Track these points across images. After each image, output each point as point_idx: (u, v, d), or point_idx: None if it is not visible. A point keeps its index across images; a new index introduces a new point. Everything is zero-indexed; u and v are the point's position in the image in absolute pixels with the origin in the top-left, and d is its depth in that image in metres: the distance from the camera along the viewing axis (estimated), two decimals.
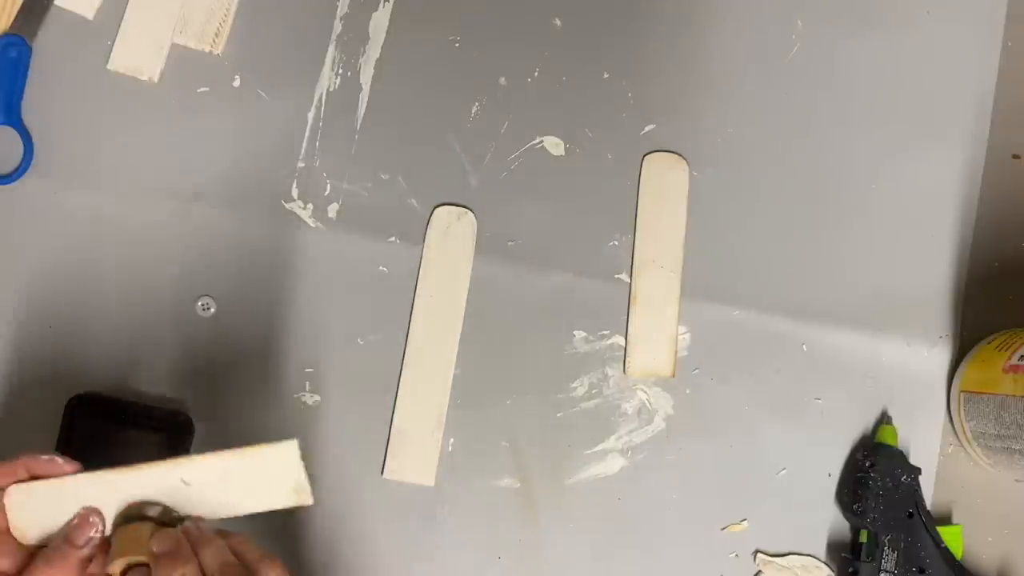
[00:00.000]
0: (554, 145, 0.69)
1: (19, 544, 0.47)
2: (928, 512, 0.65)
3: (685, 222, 0.69)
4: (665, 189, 0.69)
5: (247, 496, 0.49)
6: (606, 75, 0.70)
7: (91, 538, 0.47)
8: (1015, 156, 0.70)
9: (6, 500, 0.47)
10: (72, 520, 0.47)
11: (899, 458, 0.65)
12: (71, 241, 0.66)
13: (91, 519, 0.47)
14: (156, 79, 0.68)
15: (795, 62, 0.70)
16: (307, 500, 0.49)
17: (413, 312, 0.67)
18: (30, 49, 0.67)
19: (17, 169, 0.66)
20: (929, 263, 0.69)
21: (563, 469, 0.66)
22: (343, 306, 0.67)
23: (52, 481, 0.48)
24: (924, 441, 0.67)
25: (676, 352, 0.67)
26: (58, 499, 0.47)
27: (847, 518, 0.66)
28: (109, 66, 0.68)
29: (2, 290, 0.66)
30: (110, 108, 0.67)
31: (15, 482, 0.47)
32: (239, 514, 0.49)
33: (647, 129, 0.69)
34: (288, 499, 0.49)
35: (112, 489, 0.48)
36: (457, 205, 0.68)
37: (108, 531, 0.48)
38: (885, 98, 0.70)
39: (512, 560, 0.66)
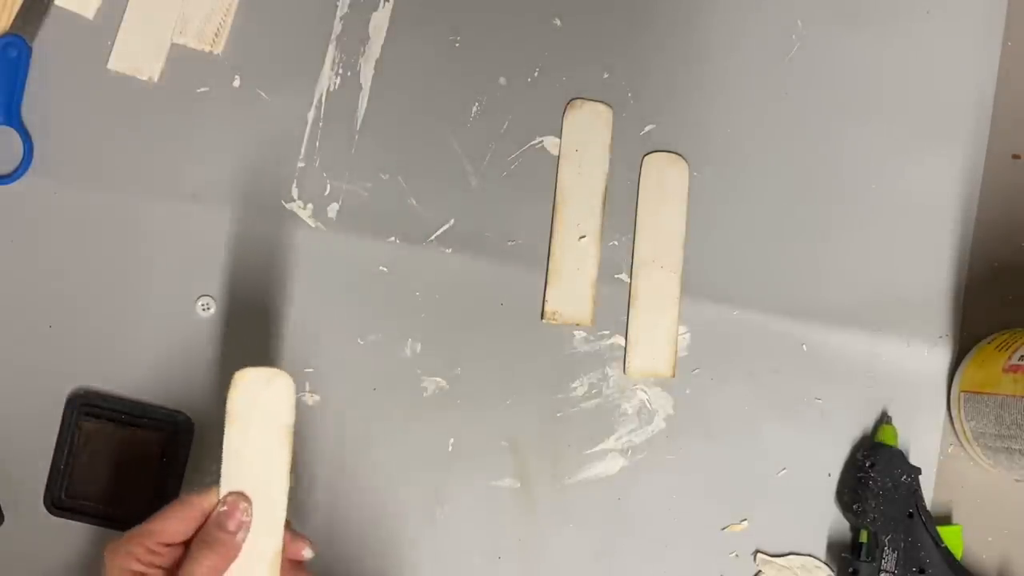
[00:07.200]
0: (554, 145, 0.69)
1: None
2: (928, 512, 0.65)
3: (685, 222, 0.69)
4: (665, 189, 0.69)
5: None
6: (606, 75, 0.70)
7: (242, 522, 0.51)
8: (1015, 156, 0.70)
9: None
10: (221, 507, 0.52)
11: (899, 458, 0.65)
12: (71, 241, 0.66)
13: (240, 505, 0.52)
14: (156, 79, 0.68)
15: (795, 62, 0.70)
16: None
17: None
18: (30, 49, 0.67)
19: (17, 169, 0.66)
20: (929, 263, 0.69)
21: (563, 469, 0.66)
22: (343, 306, 0.67)
23: None
24: (924, 441, 0.67)
25: (676, 352, 0.67)
26: None
27: (847, 518, 0.66)
28: (109, 66, 0.68)
29: (2, 290, 0.66)
30: (110, 108, 0.67)
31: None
32: None
33: (647, 129, 0.69)
34: None
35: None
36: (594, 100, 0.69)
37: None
38: (885, 98, 0.70)
39: (512, 560, 0.66)
